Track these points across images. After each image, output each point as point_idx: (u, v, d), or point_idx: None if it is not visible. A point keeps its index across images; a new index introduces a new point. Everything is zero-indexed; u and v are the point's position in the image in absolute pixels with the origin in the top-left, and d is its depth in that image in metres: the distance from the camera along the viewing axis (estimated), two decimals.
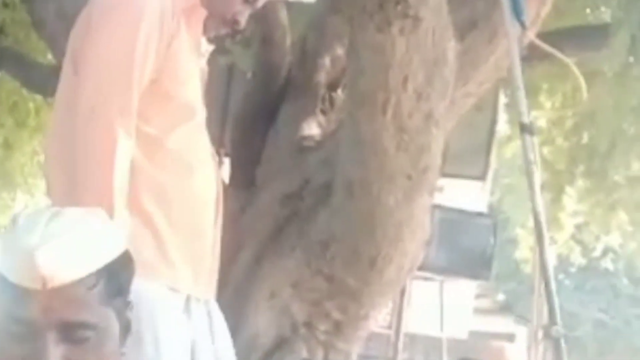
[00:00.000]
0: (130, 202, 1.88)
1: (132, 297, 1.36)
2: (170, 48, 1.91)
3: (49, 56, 5.30)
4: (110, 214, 1.71)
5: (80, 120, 1.86)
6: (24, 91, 6.42)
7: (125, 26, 1.88)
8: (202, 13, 2.03)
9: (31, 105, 7.01)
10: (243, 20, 2.09)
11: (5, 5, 5.98)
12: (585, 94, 1.78)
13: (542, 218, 1.71)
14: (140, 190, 1.92)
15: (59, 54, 4.41)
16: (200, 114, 2.07)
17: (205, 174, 2.05)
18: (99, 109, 1.85)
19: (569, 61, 1.72)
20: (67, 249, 1.24)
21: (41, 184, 9.95)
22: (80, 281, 1.24)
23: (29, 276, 1.22)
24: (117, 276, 1.30)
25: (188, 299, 1.99)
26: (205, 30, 2.08)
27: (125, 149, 1.85)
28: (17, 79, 5.89)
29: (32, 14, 4.40)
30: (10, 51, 5.81)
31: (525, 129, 1.64)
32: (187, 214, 1.98)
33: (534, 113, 6.02)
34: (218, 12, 2.05)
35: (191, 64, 2.01)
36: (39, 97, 6.68)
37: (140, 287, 1.42)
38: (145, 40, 1.87)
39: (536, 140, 1.68)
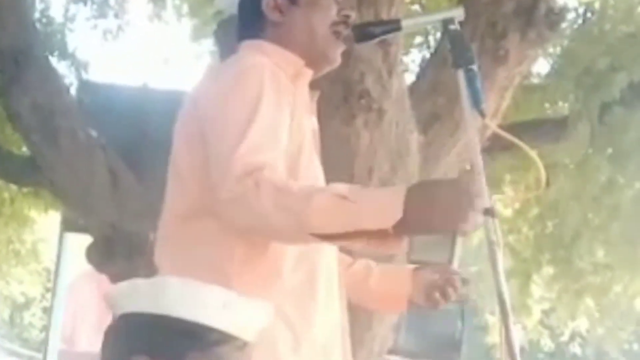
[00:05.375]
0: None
1: None
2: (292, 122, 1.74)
3: (24, 148, 5.37)
4: None
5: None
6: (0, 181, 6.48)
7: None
8: (308, 73, 1.86)
9: (6, 194, 7.07)
10: (349, 10, 1.88)
11: None
12: (545, 180, 1.85)
13: (506, 297, 1.76)
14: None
15: (33, 145, 4.52)
16: None
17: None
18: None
19: (529, 149, 1.80)
20: None
21: (15, 272, 9.91)
22: None
23: None
24: None
25: None
26: (332, 62, 1.89)
27: None
28: None
29: (8, 108, 4.48)
30: None
31: (487, 212, 1.72)
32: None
33: (497, 197, 6.12)
34: (321, 37, 1.85)
35: (309, 135, 1.84)
36: (13, 187, 6.75)
37: None
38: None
39: (498, 222, 1.75)
